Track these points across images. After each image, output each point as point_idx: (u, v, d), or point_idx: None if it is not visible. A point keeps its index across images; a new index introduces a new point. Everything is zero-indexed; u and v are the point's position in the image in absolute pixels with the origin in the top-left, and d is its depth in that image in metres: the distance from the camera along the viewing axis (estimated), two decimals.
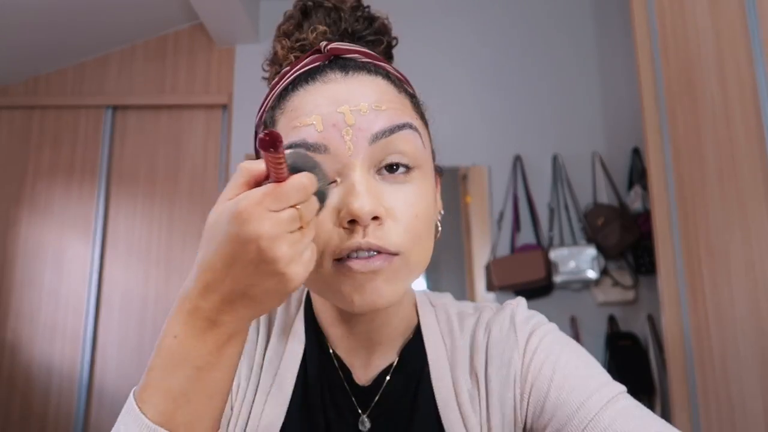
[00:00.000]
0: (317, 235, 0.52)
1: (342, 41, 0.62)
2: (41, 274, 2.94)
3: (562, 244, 2.72)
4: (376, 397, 0.63)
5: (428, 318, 0.67)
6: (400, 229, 0.54)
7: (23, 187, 3.03)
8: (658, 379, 2.50)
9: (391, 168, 0.55)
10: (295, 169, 0.45)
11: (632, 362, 2.55)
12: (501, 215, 2.83)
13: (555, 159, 2.87)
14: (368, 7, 0.65)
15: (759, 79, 1.34)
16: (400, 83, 0.60)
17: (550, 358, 0.59)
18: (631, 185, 2.78)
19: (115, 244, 2.98)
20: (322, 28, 0.62)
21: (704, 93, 1.59)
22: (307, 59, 0.59)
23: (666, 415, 2.41)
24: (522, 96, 2.97)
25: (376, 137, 0.53)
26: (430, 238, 0.58)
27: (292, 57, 0.62)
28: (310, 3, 0.64)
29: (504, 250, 2.80)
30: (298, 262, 0.44)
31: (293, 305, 0.70)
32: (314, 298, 0.68)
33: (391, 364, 0.64)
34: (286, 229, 0.43)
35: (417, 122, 0.58)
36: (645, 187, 2.54)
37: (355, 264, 0.53)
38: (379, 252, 0.53)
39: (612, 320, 2.70)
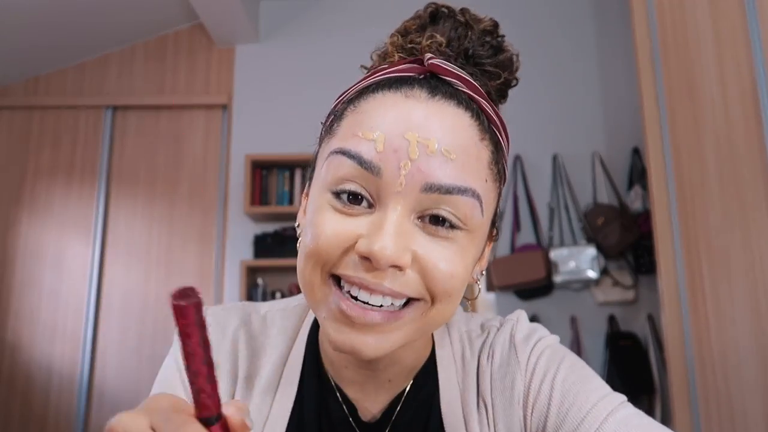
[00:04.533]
0: (316, 226, 0.49)
1: (456, 60, 0.55)
2: (41, 274, 2.94)
3: (562, 244, 2.72)
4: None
5: (443, 339, 0.64)
6: (425, 282, 0.49)
7: (23, 187, 3.03)
8: (658, 379, 2.49)
9: (437, 220, 0.49)
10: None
11: (632, 362, 2.55)
12: (501, 215, 2.83)
13: (555, 159, 2.87)
14: (503, 36, 0.59)
15: (759, 79, 1.34)
16: (489, 127, 0.53)
17: (548, 376, 0.58)
18: (631, 185, 2.78)
19: (115, 244, 2.98)
20: (440, 38, 0.55)
21: (704, 93, 1.59)
22: (404, 65, 0.54)
23: (666, 415, 2.41)
24: (522, 96, 2.96)
25: (430, 188, 0.47)
26: (459, 299, 0.53)
27: (396, 56, 0.56)
28: (444, 9, 0.57)
29: (504, 249, 2.80)
30: None
31: (281, 345, 0.63)
32: (321, 326, 0.64)
33: (402, 392, 0.61)
34: None
35: (486, 185, 0.51)
36: (645, 187, 2.54)
37: (351, 310, 0.48)
38: (391, 300, 0.48)
39: (612, 320, 2.70)
